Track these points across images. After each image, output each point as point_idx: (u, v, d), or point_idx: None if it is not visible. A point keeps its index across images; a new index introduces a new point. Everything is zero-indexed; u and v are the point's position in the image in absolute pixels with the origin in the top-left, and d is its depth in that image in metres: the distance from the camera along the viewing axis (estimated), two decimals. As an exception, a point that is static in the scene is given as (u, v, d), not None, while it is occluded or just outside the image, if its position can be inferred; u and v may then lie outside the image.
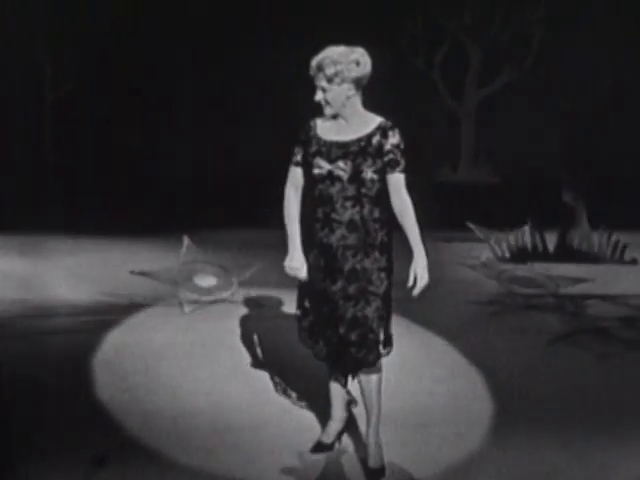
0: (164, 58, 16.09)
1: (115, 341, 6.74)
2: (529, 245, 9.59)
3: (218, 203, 12.97)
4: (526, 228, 9.82)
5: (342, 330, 4.49)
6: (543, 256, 9.54)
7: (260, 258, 8.19)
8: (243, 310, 7.53)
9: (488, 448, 4.91)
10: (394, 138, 4.46)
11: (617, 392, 5.82)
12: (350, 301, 4.48)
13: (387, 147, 4.45)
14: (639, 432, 5.15)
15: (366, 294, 4.48)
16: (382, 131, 4.47)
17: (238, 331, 6.86)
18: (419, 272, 4.44)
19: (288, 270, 4.59)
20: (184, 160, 16.10)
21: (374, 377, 4.60)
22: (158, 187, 14.67)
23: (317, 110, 4.55)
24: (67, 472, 4.55)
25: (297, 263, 4.57)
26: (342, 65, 4.40)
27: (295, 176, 4.62)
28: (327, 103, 4.48)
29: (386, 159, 4.46)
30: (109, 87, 16.18)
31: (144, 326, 7.19)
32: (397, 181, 4.47)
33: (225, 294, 7.83)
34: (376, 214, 4.50)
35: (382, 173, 4.47)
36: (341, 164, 4.45)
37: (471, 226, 10.69)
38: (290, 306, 7.13)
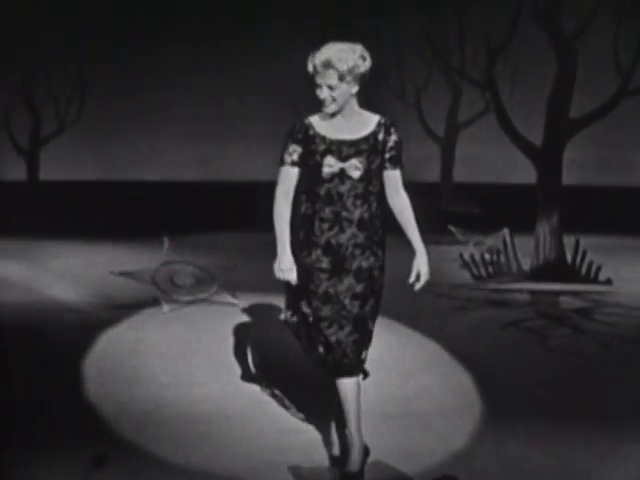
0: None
1: (98, 338, 6.90)
2: (503, 256, 9.61)
3: (200, 208, 13.19)
4: (505, 231, 9.93)
5: (347, 329, 4.46)
6: (517, 275, 9.64)
7: (240, 261, 8.37)
8: (221, 310, 7.69)
9: (456, 438, 5.02)
10: (395, 135, 4.49)
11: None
12: (357, 300, 4.46)
13: (390, 144, 4.47)
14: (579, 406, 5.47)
15: (369, 292, 4.48)
16: (385, 128, 4.49)
17: (216, 330, 7.00)
18: (422, 269, 4.49)
19: (278, 273, 4.50)
20: (167, 166, 16.29)
21: (355, 379, 4.55)
22: (142, 192, 14.89)
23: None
24: (55, 467, 4.64)
25: (287, 265, 4.47)
26: (353, 61, 4.37)
27: (288, 176, 4.52)
28: (333, 100, 4.41)
29: (388, 156, 4.48)
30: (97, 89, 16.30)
31: (125, 324, 7.35)
32: (396, 178, 4.51)
33: (204, 294, 8.00)
34: (378, 212, 4.51)
35: (381, 170, 4.49)
36: (355, 162, 4.43)
37: (452, 229, 10.86)
38: (269, 308, 7.34)
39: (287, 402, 5.47)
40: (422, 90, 14.04)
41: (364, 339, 4.51)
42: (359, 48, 4.41)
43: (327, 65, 4.34)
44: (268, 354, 6.32)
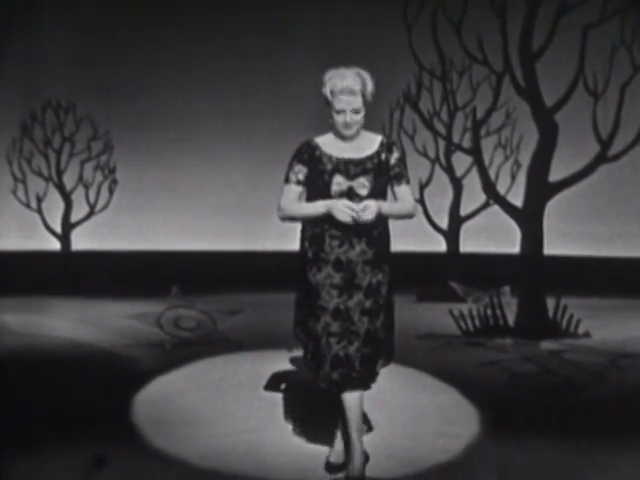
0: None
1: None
2: (490, 312, 10.12)
3: (220, 274, 13.96)
4: (506, 289, 10.43)
5: (357, 344, 4.59)
6: (503, 330, 9.93)
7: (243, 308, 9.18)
8: (222, 351, 8.35)
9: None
10: (397, 152, 4.69)
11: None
12: (366, 315, 4.60)
13: (392, 162, 4.67)
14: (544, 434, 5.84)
15: (377, 307, 4.65)
16: (387, 147, 4.68)
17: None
18: (371, 204, 4.55)
19: (347, 210, 4.53)
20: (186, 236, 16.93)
21: (359, 393, 4.74)
22: (167, 260, 15.68)
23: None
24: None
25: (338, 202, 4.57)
26: (370, 84, 4.60)
27: (291, 194, 4.67)
28: (356, 123, 4.62)
29: (392, 173, 4.67)
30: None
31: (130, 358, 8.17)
32: (404, 191, 4.72)
33: (205, 336, 8.72)
34: (387, 229, 4.71)
35: (387, 188, 4.70)
36: (363, 180, 4.60)
37: (453, 285, 11.37)
38: (270, 351, 7.99)
39: None
40: (425, 186, 14.64)
41: (374, 354, 4.68)
42: (363, 71, 4.64)
43: (352, 92, 4.55)
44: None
